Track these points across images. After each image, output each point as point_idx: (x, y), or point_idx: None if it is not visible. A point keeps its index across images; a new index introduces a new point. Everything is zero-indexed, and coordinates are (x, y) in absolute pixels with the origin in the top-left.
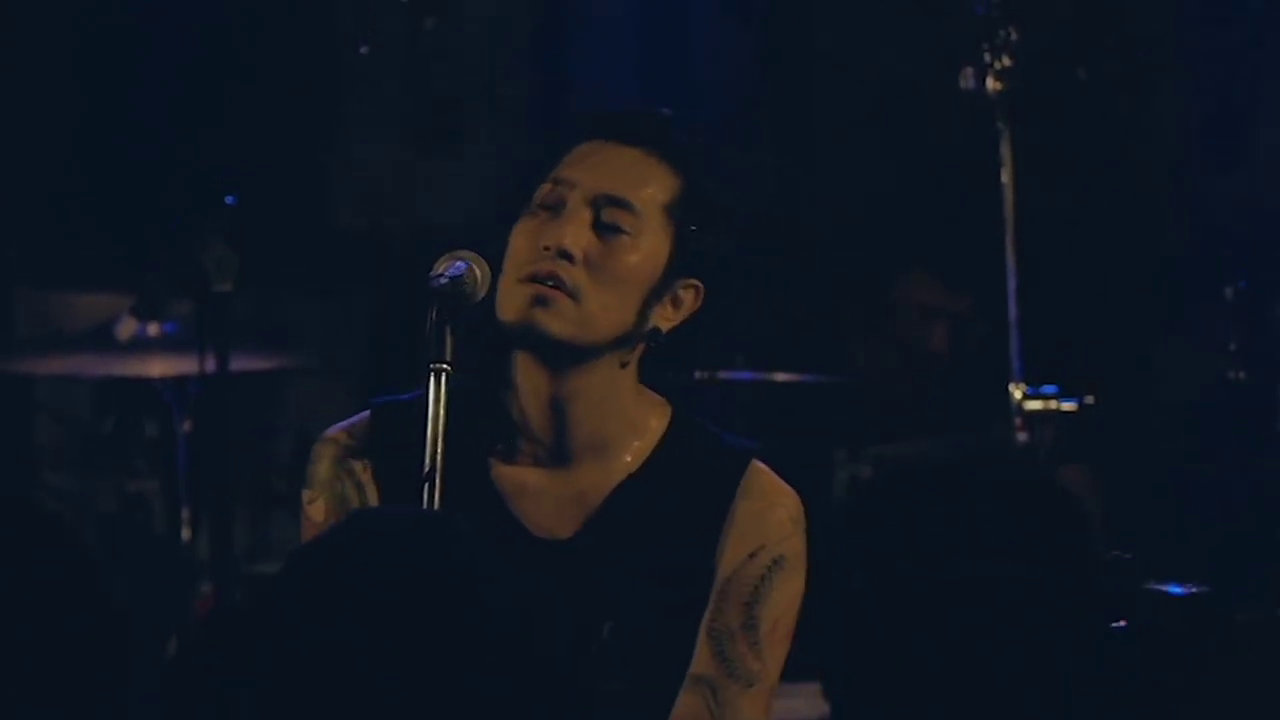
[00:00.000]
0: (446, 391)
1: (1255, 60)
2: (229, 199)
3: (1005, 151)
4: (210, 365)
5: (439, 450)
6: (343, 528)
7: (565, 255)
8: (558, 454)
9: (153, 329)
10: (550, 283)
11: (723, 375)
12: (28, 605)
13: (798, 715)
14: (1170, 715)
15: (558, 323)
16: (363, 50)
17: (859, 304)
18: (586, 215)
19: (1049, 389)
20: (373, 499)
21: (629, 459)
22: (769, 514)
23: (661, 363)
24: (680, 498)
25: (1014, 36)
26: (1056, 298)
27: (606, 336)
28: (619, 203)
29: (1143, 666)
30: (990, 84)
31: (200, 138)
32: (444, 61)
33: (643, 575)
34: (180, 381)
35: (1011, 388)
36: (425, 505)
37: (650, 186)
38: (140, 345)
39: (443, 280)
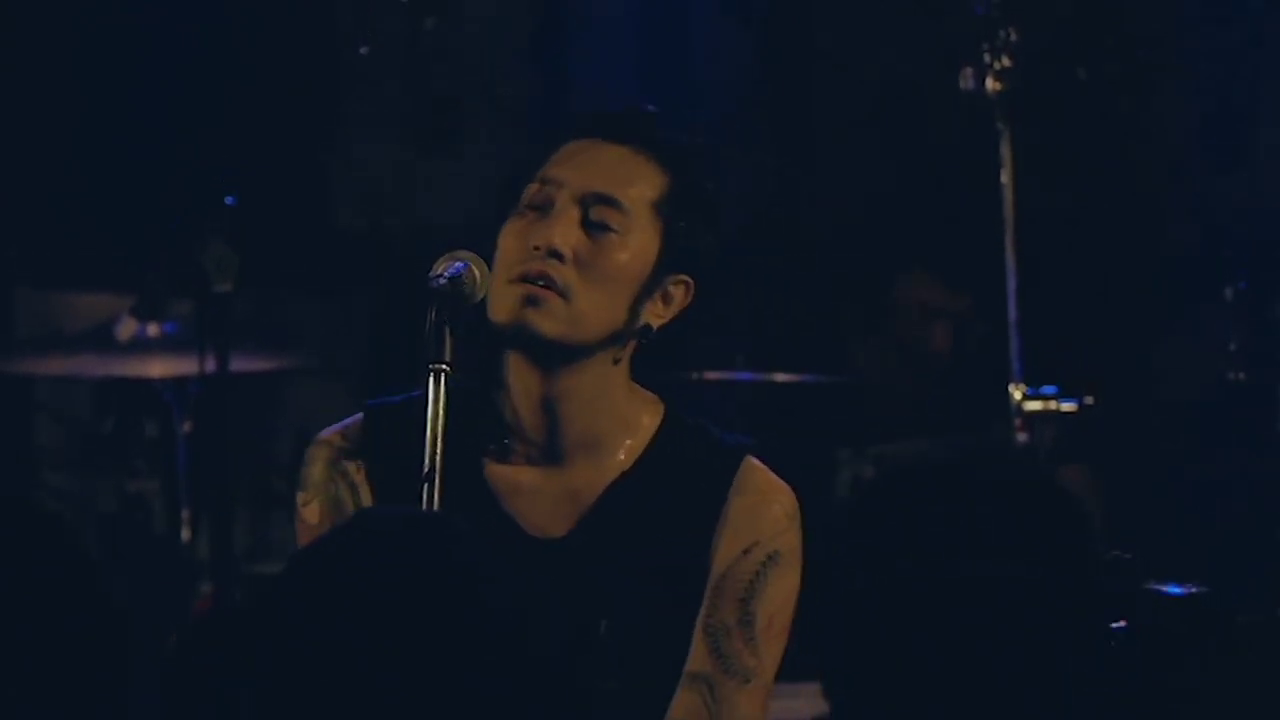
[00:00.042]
0: (446, 392)
1: (1255, 60)
2: (229, 199)
3: (1005, 151)
4: (210, 365)
5: (439, 450)
6: (344, 528)
7: (555, 254)
8: (550, 453)
9: (153, 329)
10: (541, 282)
11: (716, 375)
12: (28, 605)
13: (798, 715)
14: (1170, 715)
15: (549, 322)
16: (363, 50)
17: (859, 304)
18: (575, 214)
19: (1049, 389)
20: (366, 500)
21: (622, 457)
22: (763, 510)
23: (654, 360)
24: (674, 495)
25: (1014, 37)
26: (1056, 298)
27: (598, 335)
28: (607, 201)
29: (1143, 666)
30: (990, 84)
31: (200, 138)
32: (444, 61)
33: (637, 573)
34: (180, 382)
35: (1011, 388)
36: (425, 505)
37: (638, 184)
38: (140, 345)
39: (442, 280)
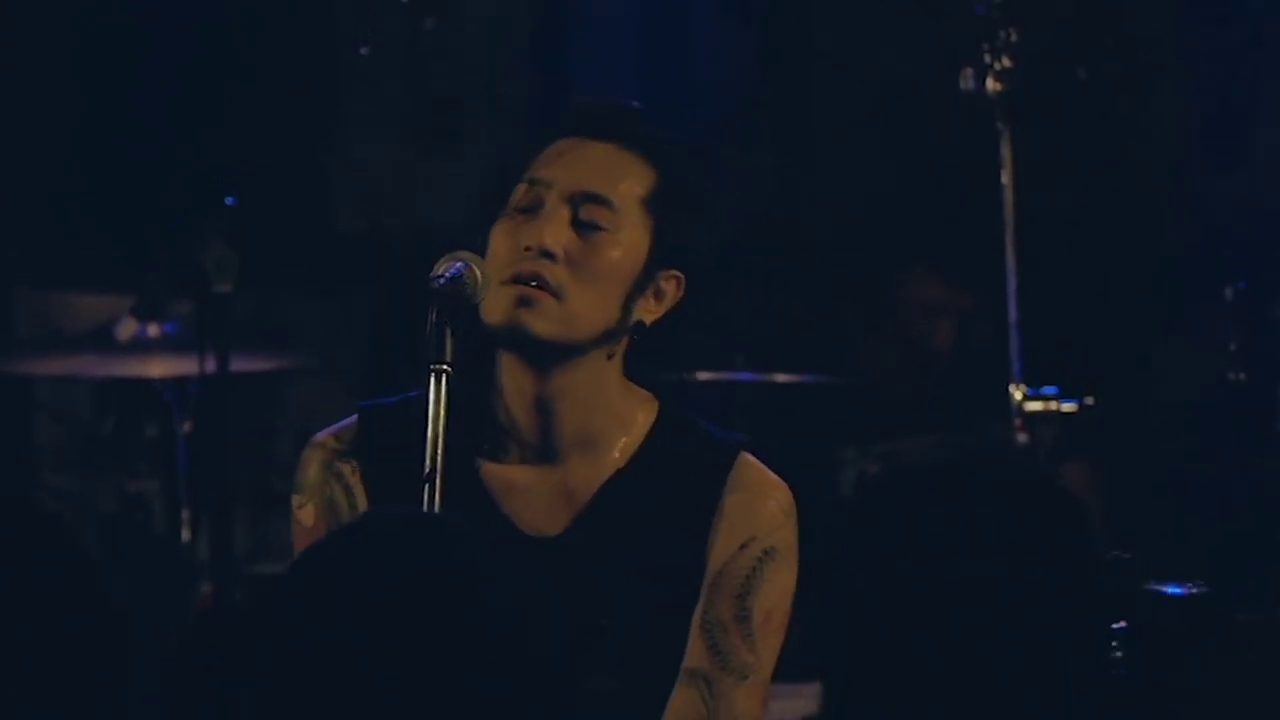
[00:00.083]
0: (447, 392)
1: (1255, 60)
2: (229, 199)
3: (1005, 152)
4: (210, 366)
5: (439, 451)
6: (345, 529)
7: (547, 254)
8: (545, 452)
9: (153, 329)
10: (534, 283)
11: (716, 376)
12: (28, 605)
13: (797, 715)
14: (1170, 715)
15: (543, 323)
16: (363, 51)
17: (859, 304)
18: (565, 213)
19: (1049, 390)
20: (361, 502)
21: (617, 455)
22: (759, 505)
23: (653, 360)
24: (669, 492)
25: (1014, 37)
26: (1056, 298)
27: (592, 333)
28: (597, 199)
29: (1143, 666)
30: (990, 84)
31: (200, 138)
32: (444, 61)
33: (634, 571)
34: (180, 382)
35: (1012, 389)
36: (426, 505)
37: (626, 181)
38: (140, 346)
39: (443, 281)
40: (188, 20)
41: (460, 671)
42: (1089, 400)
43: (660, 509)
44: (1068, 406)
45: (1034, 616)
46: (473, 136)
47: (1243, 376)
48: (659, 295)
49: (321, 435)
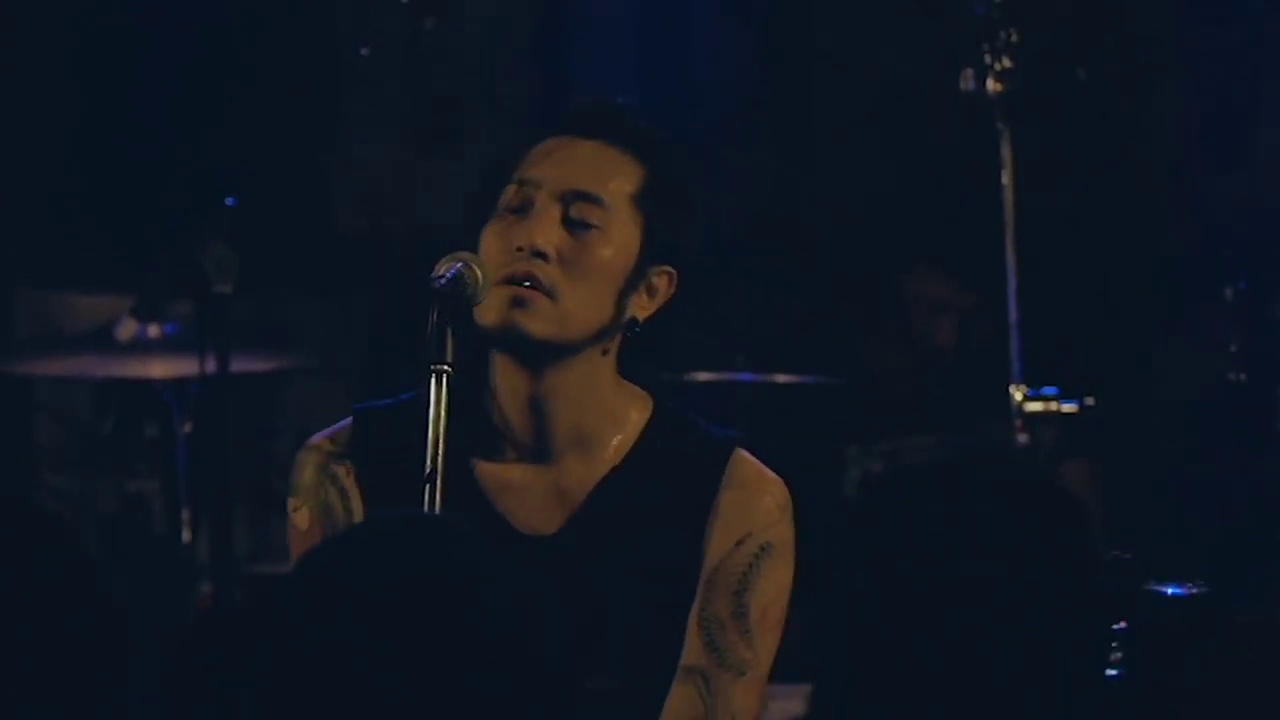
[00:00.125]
0: (447, 393)
1: (1255, 60)
2: (229, 200)
3: (1005, 152)
4: (210, 366)
5: (440, 451)
6: (346, 531)
7: (539, 254)
8: (540, 451)
9: (153, 330)
10: (527, 283)
11: (716, 376)
12: (28, 605)
13: (797, 715)
14: (1170, 715)
15: (537, 323)
16: (363, 51)
17: (860, 304)
18: (555, 212)
19: (1049, 390)
20: (356, 505)
21: (611, 453)
22: (755, 502)
23: (641, 355)
24: (664, 489)
25: (1014, 37)
26: (1056, 298)
27: (586, 332)
28: (587, 197)
29: (1143, 666)
30: (990, 85)
31: (200, 138)
32: (444, 61)
33: (630, 569)
34: (180, 382)
35: (1012, 389)
36: (426, 506)
37: (616, 178)
38: (140, 346)
39: (444, 281)
40: (188, 20)
41: (460, 671)
42: (1089, 400)
43: (656, 506)
44: (1068, 407)
45: (1034, 617)
46: (473, 136)
47: (1243, 377)
48: (652, 291)
49: (316, 438)
